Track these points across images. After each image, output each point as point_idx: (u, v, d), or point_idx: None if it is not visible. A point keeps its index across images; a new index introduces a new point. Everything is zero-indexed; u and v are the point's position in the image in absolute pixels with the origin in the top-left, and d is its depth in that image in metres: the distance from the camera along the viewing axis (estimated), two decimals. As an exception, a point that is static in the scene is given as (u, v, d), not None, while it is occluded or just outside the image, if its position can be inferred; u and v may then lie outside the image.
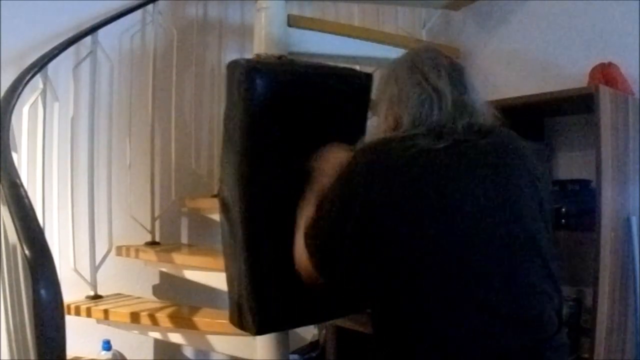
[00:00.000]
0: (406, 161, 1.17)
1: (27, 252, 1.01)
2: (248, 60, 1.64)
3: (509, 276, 1.13)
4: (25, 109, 2.19)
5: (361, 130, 1.79)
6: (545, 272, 1.18)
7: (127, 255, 2.60)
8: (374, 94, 1.39)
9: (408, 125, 1.24)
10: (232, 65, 1.62)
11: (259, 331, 1.68)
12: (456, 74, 1.30)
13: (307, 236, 1.31)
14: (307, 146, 1.66)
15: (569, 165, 2.35)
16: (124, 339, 2.43)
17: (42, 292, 0.96)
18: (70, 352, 1.28)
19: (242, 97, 1.56)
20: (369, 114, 1.85)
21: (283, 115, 1.61)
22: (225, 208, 1.68)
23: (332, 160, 1.42)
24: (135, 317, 2.27)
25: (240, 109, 1.57)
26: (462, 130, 1.22)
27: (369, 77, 1.82)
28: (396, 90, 1.31)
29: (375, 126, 1.38)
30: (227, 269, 1.73)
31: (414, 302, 1.15)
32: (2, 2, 2.30)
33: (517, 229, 1.16)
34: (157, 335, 2.42)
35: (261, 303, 1.61)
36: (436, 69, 1.28)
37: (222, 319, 2.13)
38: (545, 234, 1.21)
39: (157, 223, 2.77)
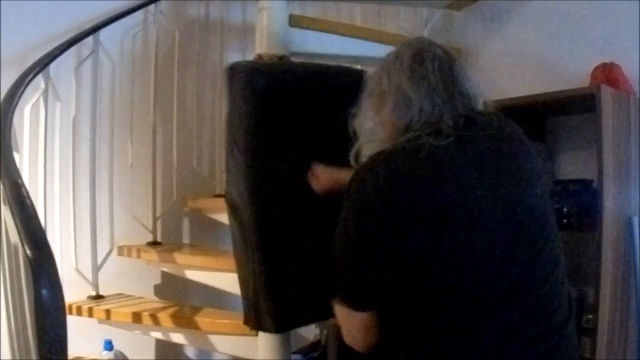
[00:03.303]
0: (415, 164, 1.15)
1: (28, 252, 1.01)
2: (249, 62, 1.64)
3: (526, 268, 1.13)
4: (27, 109, 2.19)
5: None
6: (557, 260, 1.18)
7: (129, 255, 2.60)
8: (364, 91, 1.37)
9: (402, 123, 1.22)
10: (233, 68, 1.63)
11: (279, 330, 1.69)
12: (447, 65, 1.27)
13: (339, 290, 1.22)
14: (310, 143, 1.67)
15: (571, 165, 2.35)
16: (126, 339, 2.43)
17: (44, 292, 0.96)
18: (71, 352, 1.28)
19: (245, 99, 1.56)
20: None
21: (285, 114, 1.62)
22: (234, 211, 1.68)
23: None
24: (136, 317, 2.28)
25: (243, 111, 1.58)
26: (460, 123, 1.20)
27: (365, 73, 1.83)
28: (386, 87, 1.28)
29: (363, 122, 1.34)
30: (240, 271, 1.73)
31: (427, 300, 1.14)
32: (3, 2, 2.30)
33: (530, 219, 1.15)
34: (158, 335, 2.42)
35: (278, 302, 1.62)
36: (425, 62, 1.25)
37: (224, 319, 2.13)
38: (553, 218, 1.21)
39: (158, 223, 2.77)
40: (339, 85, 1.74)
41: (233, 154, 1.64)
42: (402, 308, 1.18)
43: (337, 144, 1.68)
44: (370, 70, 2.40)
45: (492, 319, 1.11)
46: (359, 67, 2.40)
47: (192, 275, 2.46)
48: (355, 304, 1.19)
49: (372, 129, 1.31)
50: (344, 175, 1.44)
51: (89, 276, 2.46)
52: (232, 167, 1.67)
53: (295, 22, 1.98)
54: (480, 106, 1.29)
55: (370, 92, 1.33)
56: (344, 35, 2.22)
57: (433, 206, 1.12)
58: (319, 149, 1.67)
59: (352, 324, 1.22)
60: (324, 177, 1.63)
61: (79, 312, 2.33)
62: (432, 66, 1.25)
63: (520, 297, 1.12)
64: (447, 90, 1.23)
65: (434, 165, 1.15)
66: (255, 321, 1.70)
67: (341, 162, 1.76)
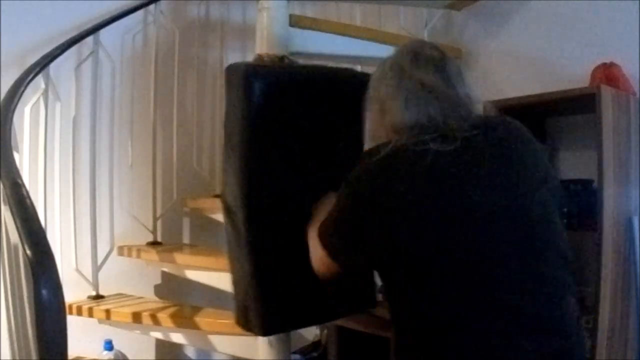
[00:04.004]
0: (422, 167, 1.15)
1: (28, 252, 1.01)
2: (246, 64, 1.64)
3: (530, 272, 1.12)
4: (27, 109, 2.19)
5: (360, 130, 1.80)
6: (563, 264, 1.17)
7: (129, 255, 2.60)
8: (367, 94, 1.38)
9: (403, 126, 1.23)
10: (231, 69, 1.62)
11: (266, 332, 1.68)
12: (444, 67, 1.27)
13: (321, 231, 1.35)
14: (309, 147, 1.67)
15: (571, 166, 2.35)
16: (126, 339, 2.43)
17: (44, 292, 0.96)
18: (72, 352, 1.28)
19: (241, 101, 1.56)
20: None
21: (283, 117, 1.61)
22: (228, 211, 1.68)
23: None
24: (137, 317, 2.28)
25: (239, 113, 1.57)
26: (465, 126, 1.20)
27: (367, 77, 1.83)
28: (384, 91, 1.29)
29: (369, 128, 1.36)
30: (232, 272, 1.74)
31: (431, 306, 1.14)
32: (3, 2, 2.30)
33: (534, 223, 1.15)
34: (158, 335, 2.42)
35: (267, 304, 1.62)
36: (423, 65, 1.26)
37: (224, 319, 2.13)
38: (560, 225, 1.21)
39: (158, 223, 2.77)
40: (340, 89, 1.74)
41: (229, 155, 1.64)
42: (405, 303, 1.19)
43: (336, 149, 1.68)
44: (370, 70, 2.40)
45: (491, 321, 1.10)
46: (359, 67, 2.41)
47: (192, 275, 2.46)
48: (336, 260, 1.33)
49: (377, 134, 1.32)
50: None
51: (89, 276, 2.46)
52: (228, 168, 1.67)
53: (295, 22, 1.98)
54: (479, 108, 1.29)
55: (371, 99, 1.35)
56: (344, 35, 2.22)
57: (434, 209, 1.13)
58: (317, 154, 1.67)
59: (321, 262, 1.37)
60: None
61: (79, 312, 2.33)
62: (427, 70, 1.25)
63: (521, 302, 1.11)
64: (446, 94, 1.23)
65: (435, 171, 1.15)
66: (244, 322, 1.70)
67: (340, 166, 1.76)
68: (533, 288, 1.12)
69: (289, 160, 1.63)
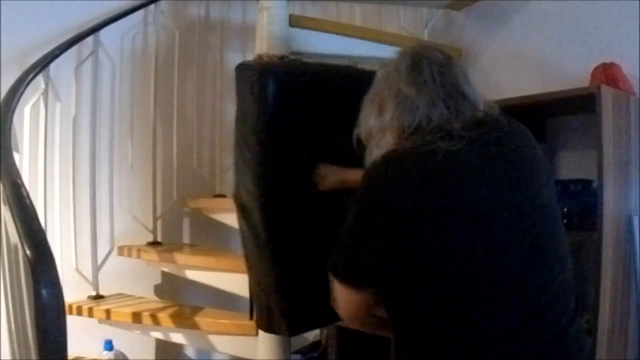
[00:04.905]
0: (432, 167, 1.15)
1: (28, 252, 1.02)
2: (258, 62, 1.64)
3: (532, 265, 1.14)
4: (27, 109, 2.19)
5: None
6: (565, 259, 1.19)
7: (129, 255, 2.60)
8: (367, 96, 1.38)
9: (407, 127, 1.23)
10: (243, 68, 1.62)
11: (292, 332, 1.68)
12: (449, 69, 1.28)
13: (333, 259, 1.28)
14: (321, 144, 1.67)
15: (571, 165, 2.35)
16: (126, 339, 2.43)
17: (44, 292, 0.96)
18: (72, 352, 1.28)
19: (256, 99, 1.56)
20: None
21: (295, 114, 1.61)
22: (244, 212, 1.66)
23: None
24: (137, 317, 2.28)
25: (254, 111, 1.57)
26: (471, 126, 1.21)
27: (371, 74, 1.84)
28: (386, 94, 1.30)
29: (365, 128, 1.35)
30: (251, 274, 1.72)
31: (434, 306, 1.14)
32: (3, 2, 2.30)
33: (539, 218, 1.17)
34: (158, 335, 2.42)
35: (292, 304, 1.61)
36: (424, 68, 1.27)
37: (224, 319, 2.13)
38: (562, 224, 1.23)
39: (158, 223, 2.77)
40: (349, 86, 1.75)
41: (243, 153, 1.63)
42: (405, 303, 1.19)
43: (347, 145, 1.69)
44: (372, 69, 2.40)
45: (493, 316, 1.11)
46: (359, 66, 2.40)
47: (192, 275, 2.46)
48: (354, 284, 1.25)
49: (377, 135, 1.31)
50: (350, 175, 1.45)
51: (89, 276, 2.46)
52: (241, 167, 1.65)
53: (295, 22, 1.98)
54: (482, 107, 1.29)
55: (371, 100, 1.35)
56: (344, 35, 2.22)
57: (442, 207, 1.13)
58: (329, 150, 1.67)
59: (348, 301, 1.29)
60: (329, 177, 1.64)
61: (79, 312, 2.33)
62: (430, 72, 1.26)
63: (524, 296, 1.12)
64: (450, 94, 1.24)
65: (447, 169, 1.15)
66: (267, 324, 1.68)
67: (351, 162, 1.77)
68: (535, 288, 1.13)
69: (303, 156, 1.63)
